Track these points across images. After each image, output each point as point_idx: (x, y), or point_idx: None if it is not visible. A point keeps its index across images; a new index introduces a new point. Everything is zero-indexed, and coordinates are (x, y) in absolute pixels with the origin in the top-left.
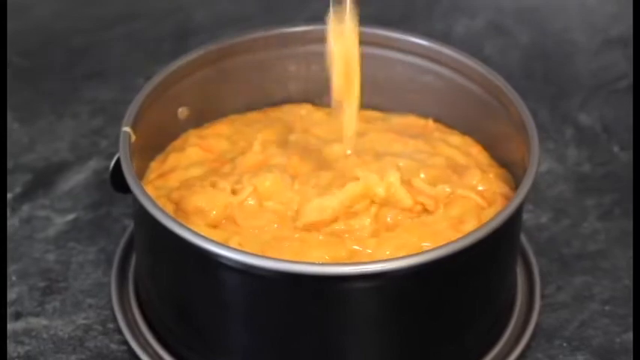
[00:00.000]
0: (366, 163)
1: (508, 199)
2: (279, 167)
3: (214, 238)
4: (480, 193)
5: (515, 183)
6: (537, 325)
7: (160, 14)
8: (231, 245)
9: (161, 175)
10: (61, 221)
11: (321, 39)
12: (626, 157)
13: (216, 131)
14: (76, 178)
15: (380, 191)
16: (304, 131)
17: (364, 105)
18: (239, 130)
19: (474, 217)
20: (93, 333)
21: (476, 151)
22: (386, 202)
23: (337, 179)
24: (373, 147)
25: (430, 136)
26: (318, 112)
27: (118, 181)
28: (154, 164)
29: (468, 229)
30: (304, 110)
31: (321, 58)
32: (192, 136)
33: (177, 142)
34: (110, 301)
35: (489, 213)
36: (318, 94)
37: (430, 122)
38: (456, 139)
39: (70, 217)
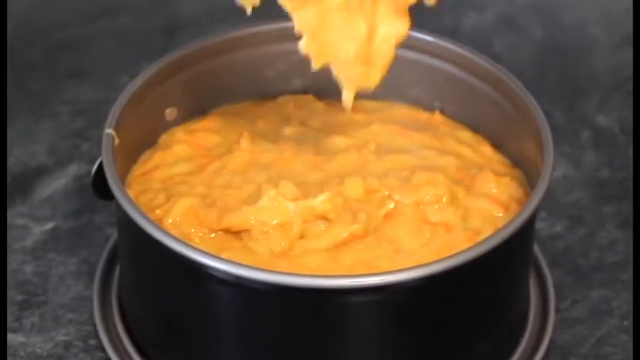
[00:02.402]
0: (368, 162)
1: (523, 203)
2: (268, 166)
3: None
4: (495, 199)
5: (529, 184)
6: (551, 342)
7: (147, 7)
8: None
9: (144, 174)
10: (39, 230)
11: None
12: None
13: (205, 125)
14: (55, 184)
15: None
16: (301, 123)
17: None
18: (230, 122)
19: (490, 225)
20: (73, 350)
21: (487, 149)
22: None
23: (331, 179)
24: (375, 140)
25: (437, 131)
26: (318, 102)
27: (100, 187)
28: (137, 165)
29: None
30: (303, 100)
31: None
32: (179, 132)
33: (163, 139)
34: (92, 316)
35: (505, 219)
36: (321, 90)
37: (437, 115)
38: (465, 134)
39: (49, 225)
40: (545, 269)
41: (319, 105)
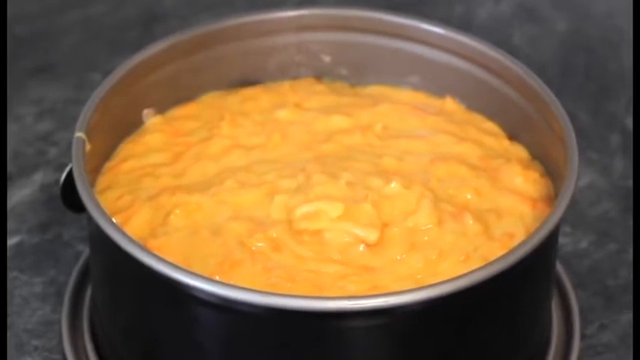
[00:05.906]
0: (372, 146)
1: (551, 200)
2: (250, 151)
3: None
4: (522, 194)
5: (552, 183)
6: None
7: None
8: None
9: (111, 168)
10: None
11: (319, 26)
12: None
13: (185, 112)
14: (19, 194)
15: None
16: (297, 105)
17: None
18: (213, 105)
19: (522, 227)
20: None
21: (505, 140)
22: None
23: (322, 159)
24: (383, 121)
25: (452, 116)
26: (319, 84)
27: (69, 197)
28: (108, 162)
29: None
30: (302, 82)
31: (322, 47)
32: (155, 122)
33: (139, 130)
34: (61, 342)
35: (533, 217)
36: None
37: (448, 100)
38: (485, 123)
39: (13, 240)
40: (570, 290)
41: (320, 87)
